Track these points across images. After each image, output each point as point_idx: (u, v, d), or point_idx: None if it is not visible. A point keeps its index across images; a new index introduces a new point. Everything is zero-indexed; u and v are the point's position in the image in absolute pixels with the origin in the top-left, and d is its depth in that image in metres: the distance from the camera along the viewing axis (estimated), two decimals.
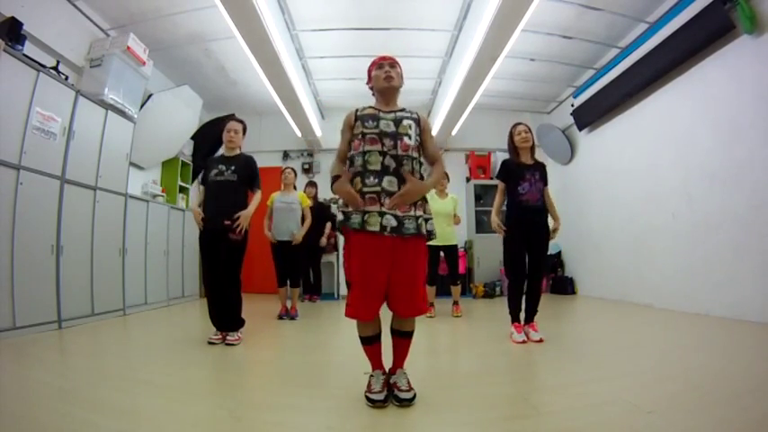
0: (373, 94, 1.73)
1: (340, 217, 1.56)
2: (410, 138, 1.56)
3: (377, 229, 1.48)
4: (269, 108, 5.52)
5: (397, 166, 1.52)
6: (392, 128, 1.56)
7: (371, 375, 1.61)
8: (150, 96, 4.56)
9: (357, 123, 1.61)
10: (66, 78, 3.38)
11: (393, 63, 1.70)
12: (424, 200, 1.61)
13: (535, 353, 2.38)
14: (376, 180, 1.51)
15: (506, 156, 2.86)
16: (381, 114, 1.61)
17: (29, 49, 3.04)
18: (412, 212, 1.53)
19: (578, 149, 5.78)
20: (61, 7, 3.51)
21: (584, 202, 5.56)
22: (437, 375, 2.07)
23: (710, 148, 3.48)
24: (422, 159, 1.64)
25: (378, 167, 1.52)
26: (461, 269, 5.76)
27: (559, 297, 5.47)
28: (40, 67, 2.96)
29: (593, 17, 4.14)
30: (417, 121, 1.64)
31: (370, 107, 1.67)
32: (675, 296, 3.80)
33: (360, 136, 1.57)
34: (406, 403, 1.51)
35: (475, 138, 6.34)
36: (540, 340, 2.57)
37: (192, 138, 5.50)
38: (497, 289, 5.61)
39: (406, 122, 1.58)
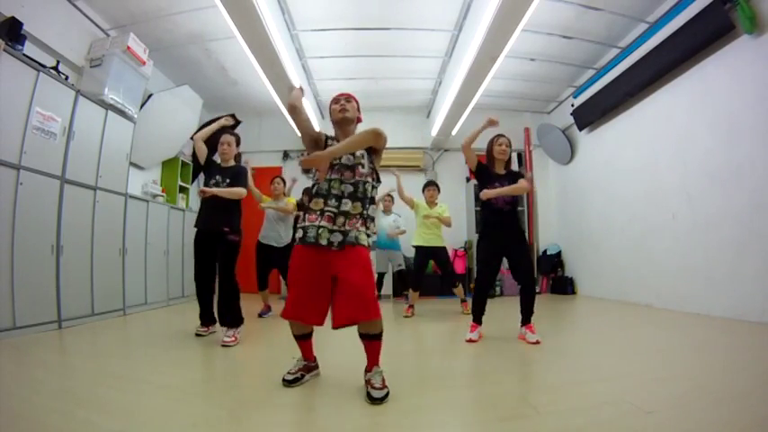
0: (333, 127, 1.91)
1: (299, 234, 1.73)
2: (363, 167, 1.78)
3: (324, 243, 1.66)
4: (269, 108, 5.50)
5: (354, 191, 1.74)
6: (351, 161, 1.77)
7: (296, 359, 1.90)
8: (150, 96, 4.56)
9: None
10: (67, 78, 3.37)
11: (348, 98, 1.90)
12: (371, 219, 1.78)
13: (535, 353, 2.38)
14: (336, 203, 1.73)
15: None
16: None
17: (29, 49, 3.04)
18: (356, 228, 1.71)
19: (578, 149, 5.78)
20: (61, 7, 3.51)
21: (584, 202, 5.56)
22: (437, 376, 2.07)
23: (710, 147, 3.48)
24: (374, 183, 1.82)
25: (338, 192, 1.74)
26: (461, 269, 5.76)
27: (559, 297, 5.47)
28: (40, 67, 2.96)
29: (593, 17, 4.14)
30: (368, 150, 1.82)
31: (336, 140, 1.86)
32: (675, 296, 3.80)
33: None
34: (377, 402, 1.54)
35: None
36: (537, 342, 2.53)
37: (192, 138, 5.49)
38: (497, 288, 5.62)
39: (359, 153, 1.79)
